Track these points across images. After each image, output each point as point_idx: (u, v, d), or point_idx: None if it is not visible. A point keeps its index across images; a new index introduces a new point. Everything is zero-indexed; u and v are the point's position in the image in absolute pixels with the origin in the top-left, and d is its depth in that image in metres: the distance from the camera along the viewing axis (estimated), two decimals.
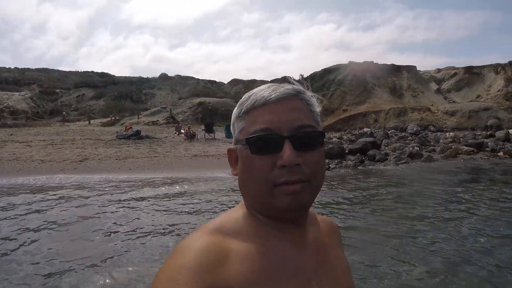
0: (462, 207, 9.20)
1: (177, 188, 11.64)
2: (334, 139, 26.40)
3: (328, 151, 18.74)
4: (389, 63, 52.52)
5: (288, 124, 0.93)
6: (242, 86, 64.69)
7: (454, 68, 58.82)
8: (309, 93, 1.02)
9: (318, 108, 1.02)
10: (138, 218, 8.08)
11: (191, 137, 25.80)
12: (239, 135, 0.99)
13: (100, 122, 38.96)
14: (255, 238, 0.95)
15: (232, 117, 1.03)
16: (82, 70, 68.98)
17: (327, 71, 49.83)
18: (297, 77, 1.04)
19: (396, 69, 51.70)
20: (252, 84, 62.45)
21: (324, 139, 1.01)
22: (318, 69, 51.87)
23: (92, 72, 67.78)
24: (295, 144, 0.91)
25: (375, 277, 5.02)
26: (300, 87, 1.01)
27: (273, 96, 0.95)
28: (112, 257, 5.75)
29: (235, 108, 1.02)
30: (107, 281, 4.99)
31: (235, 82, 68.28)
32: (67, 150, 18.94)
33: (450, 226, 7.48)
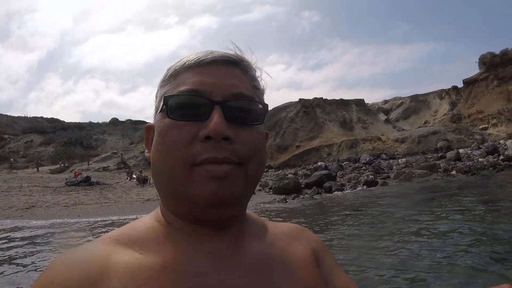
0: (423, 223, 9.32)
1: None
2: (290, 175, 26.29)
3: (284, 186, 18.86)
4: (338, 98, 54.02)
5: (222, 89, 0.71)
6: None
7: (400, 98, 61.43)
8: (254, 66, 0.81)
9: (262, 87, 0.82)
10: None
11: (143, 181, 25.10)
12: (159, 103, 0.76)
13: (49, 169, 37.79)
14: (156, 248, 0.69)
15: (157, 87, 0.80)
16: (31, 116, 68.72)
17: (277, 110, 50.34)
18: None
19: (345, 104, 53.21)
20: None
21: (267, 132, 0.82)
22: (269, 108, 52.30)
23: (41, 117, 66.79)
24: (228, 114, 0.69)
25: None
26: (245, 56, 0.80)
27: (209, 57, 0.75)
28: None
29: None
30: None
31: None
32: (13, 197, 18.45)
33: (412, 242, 7.50)
